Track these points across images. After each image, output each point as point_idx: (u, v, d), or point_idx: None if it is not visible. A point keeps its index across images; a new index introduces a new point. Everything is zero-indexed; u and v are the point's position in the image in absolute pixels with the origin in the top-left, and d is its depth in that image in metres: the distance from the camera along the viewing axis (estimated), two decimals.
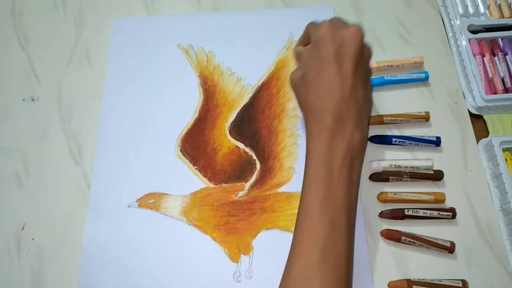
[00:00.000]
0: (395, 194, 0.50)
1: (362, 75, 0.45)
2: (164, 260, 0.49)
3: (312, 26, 0.48)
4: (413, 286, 0.46)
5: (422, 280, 0.46)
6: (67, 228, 0.51)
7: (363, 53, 0.45)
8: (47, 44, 0.61)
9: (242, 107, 0.56)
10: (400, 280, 0.47)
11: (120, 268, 0.48)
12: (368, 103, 0.46)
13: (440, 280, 0.46)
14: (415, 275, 0.47)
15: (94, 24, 0.63)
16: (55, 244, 0.50)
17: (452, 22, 0.60)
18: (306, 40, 0.49)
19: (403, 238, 0.48)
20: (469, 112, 0.55)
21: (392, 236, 0.48)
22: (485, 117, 0.55)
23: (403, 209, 0.49)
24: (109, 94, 0.57)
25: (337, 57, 0.43)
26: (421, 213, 0.49)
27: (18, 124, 0.56)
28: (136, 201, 0.51)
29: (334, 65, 0.43)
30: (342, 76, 0.43)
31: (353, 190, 0.43)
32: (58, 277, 0.48)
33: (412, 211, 0.49)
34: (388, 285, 0.47)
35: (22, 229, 0.51)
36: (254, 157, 0.53)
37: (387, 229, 0.49)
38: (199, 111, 0.56)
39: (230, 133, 0.55)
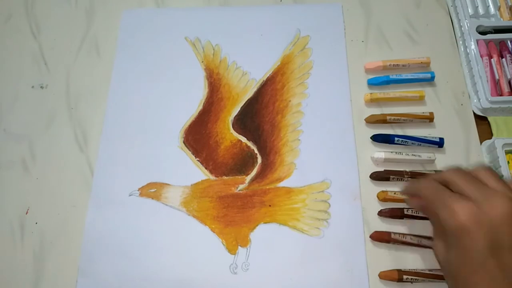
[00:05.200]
0: (395, 194, 0.50)
1: None
2: (162, 249, 0.49)
3: (436, 198, 0.40)
4: (404, 276, 0.46)
5: (413, 270, 0.46)
6: (70, 214, 0.52)
7: None
8: (58, 33, 0.62)
9: (246, 101, 0.56)
10: (391, 270, 0.47)
11: (119, 254, 0.49)
12: None
13: (430, 270, 0.46)
14: None
15: (104, 15, 0.63)
16: (57, 229, 0.51)
17: (461, 22, 0.59)
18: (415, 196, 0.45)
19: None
20: (474, 113, 0.55)
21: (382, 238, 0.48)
22: (489, 118, 0.54)
23: (402, 209, 0.49)
24: (116, 84, 0.58)
25: (492, 249, 0.36)
26: (420, 213, 0.49)
27: (27, 111, 0.58)
28: (138, 190, 0.52)
29: (491, 259, 0.36)
30: (504, 271, 0.36)
31: None
32: (59, 261, 0.49)
33: (412, 211, 0.49)
34: (378, 275, 0.47)
35: (26, 213, 0.52)
36: (256, 151, 0.54)
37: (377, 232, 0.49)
38: (204, 103, 0.57)
39: (233, 127, 0.55)
